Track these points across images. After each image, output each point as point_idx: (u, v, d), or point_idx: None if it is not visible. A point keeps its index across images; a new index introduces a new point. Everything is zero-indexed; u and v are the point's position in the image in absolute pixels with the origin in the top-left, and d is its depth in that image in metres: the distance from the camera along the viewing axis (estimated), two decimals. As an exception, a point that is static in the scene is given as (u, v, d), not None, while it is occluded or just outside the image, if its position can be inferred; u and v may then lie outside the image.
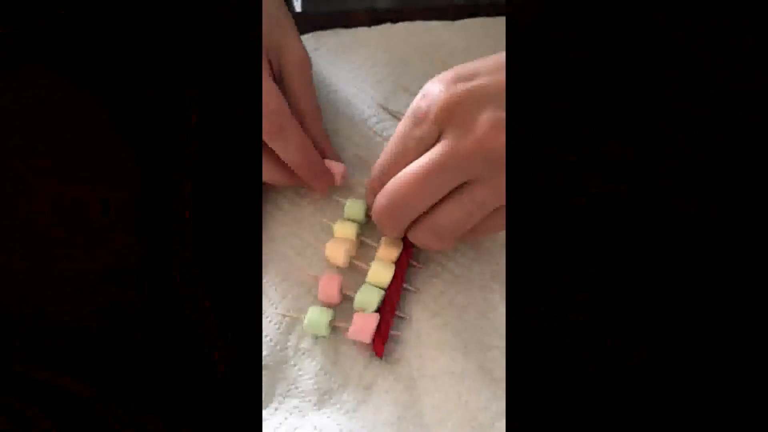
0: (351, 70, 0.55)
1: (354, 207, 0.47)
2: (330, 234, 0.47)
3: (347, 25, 0.58)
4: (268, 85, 0.43)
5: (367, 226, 0.48)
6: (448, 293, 0.45)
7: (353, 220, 0.47)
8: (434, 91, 0.39)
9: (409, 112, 0.40)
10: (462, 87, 0.38)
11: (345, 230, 0.46)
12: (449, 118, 0.38)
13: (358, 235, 0.47)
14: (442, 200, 0.39)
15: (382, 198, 0.40)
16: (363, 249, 0.47)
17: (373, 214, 0.41)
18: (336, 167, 0.47)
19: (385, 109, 0.53)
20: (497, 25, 0.58)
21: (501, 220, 0.40)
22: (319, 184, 0.46)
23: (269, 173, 0.45)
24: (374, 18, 0.58)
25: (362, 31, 0.57)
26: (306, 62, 0.49)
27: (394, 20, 0.58)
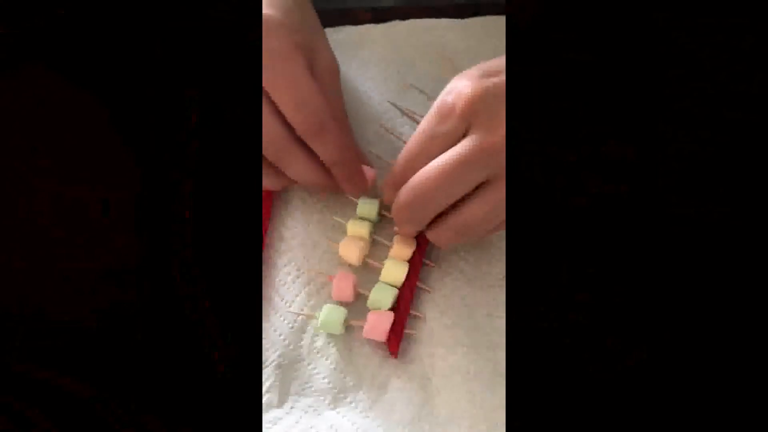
0: (357, 68, 0.55)
1: (366, 206, 0.47)
2: (341, 232, 0.47)
3: (349, 24, 0.57)
4: (308, 83, 0.42)
5: (380, 225, 0.48)
6: (459, 292, 0.45)
7: (365, 219, 0.48)
8: (460, 86, 0.39)
9: (434, 108, 0.40)
10: (488, 82, 0.38)
11: (358, 229, 0.46)
12: (476, 112, 0.38)
13: (371, 233, 0.47)
14: (464, 198, 0.39)
15: (405, 192, 0.40)
16: (376, 248, 0.47)
17: (395, 208, 0.41)
18: (367, 171, 0.47)
19: (395, 106, 0.53)
20: (499, 25, 0.57)
21: None
22: (354, 186, 0.45)
23: (304, 174, 0.44)
24: (375, 17, 0.58)
25: (366, 29, 0.57)
26: (337, 70, 0.49)
27: (400, 18, 0.57)
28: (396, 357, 0.43)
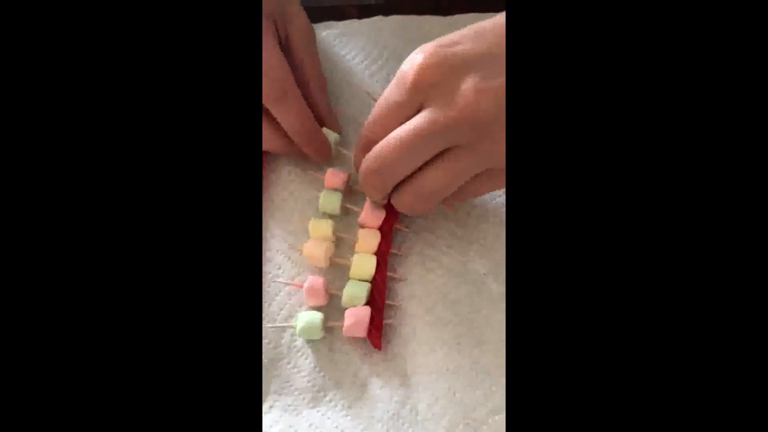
0: (342, 63, 0.55)
1: (328, 199, 0.47)
2: (303, 237, 0.47)
3: (338, 19, 0.57)
4: (273, 51, 0.44)
5: (342, 220, 0.48)
6: (442, 289, 0.45)
7: (327, 214, 0.47)
8: (415, 56, 0.39)
9: (394, 79, 0.40)
10: (443, 52, 0.38)
11: (321, 229, 0.46)
12: (431, 83, 0.38)
13: (334, 231, 0.47)
14: (427, 164, 0.40)
15: (368, 161, 0.40)
16: (341, 244, 0.47)
17: (360, 175, 0.42)
18: (338, 174, 0.48)
19: (372, 97, 0.52)
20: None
21: (485, 184, 0.41)
22: (316, 152, 0.47)
23: (270, 141, 0.46)
24: (361, 13, 0.58)
25: (352, 24, 0.57)
26: (312, 32, 0.50)
27: (385, 13, 0.57)
28: (380, 349, 0.43)
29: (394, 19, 0.57)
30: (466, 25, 0.56)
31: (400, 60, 0.54)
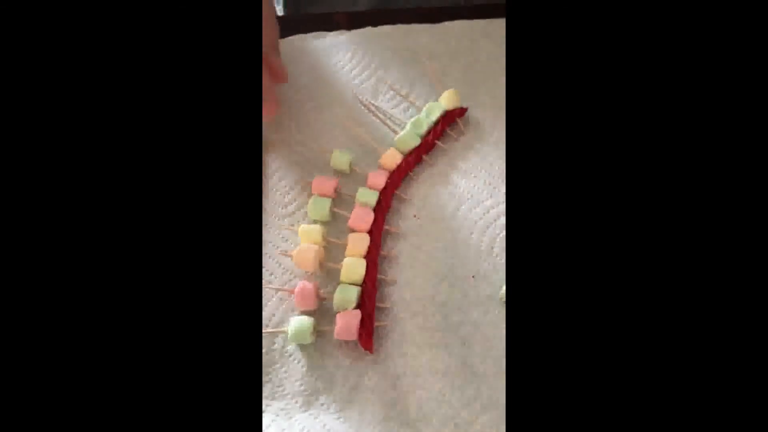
0: (333, 74, 0.56)
1: (317, 206, 0.47)
2: (293, 243, 0.48)
3: (328, 28, 0.58)
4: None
5: (332, 224, 0.49)
6: (431, 291, 0.46)
7: (317, 221, 0.48)
8: None
9: None
10: None
11: (310, 235, 0.46)
12: None
13: (324, 236, 0.47)
14: None
15: None
16: (331, 248, 0.48)
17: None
18: (329, 180, 0.49)
19: (363, 104, 0.53)
20: (476, 28, 0.59)
21: None
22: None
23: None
24: (354, 20, 0.59)
25: (342, 35, 0.58)
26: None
27: (374, 23, 0.58)
28: (371, 352, 0.43)
29: (383, 30, 0.58)
30: (454, 33, 0.58)
31: (387, 69, 0.56)
